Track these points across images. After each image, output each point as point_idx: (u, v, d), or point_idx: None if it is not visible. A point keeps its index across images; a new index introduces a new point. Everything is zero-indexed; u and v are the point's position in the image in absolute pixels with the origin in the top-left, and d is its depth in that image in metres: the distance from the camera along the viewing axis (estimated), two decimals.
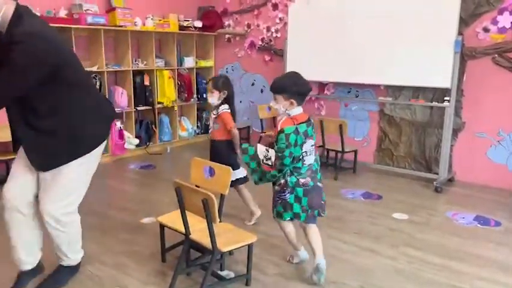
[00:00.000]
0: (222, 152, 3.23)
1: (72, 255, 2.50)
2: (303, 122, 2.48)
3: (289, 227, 2.67)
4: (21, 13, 2.03)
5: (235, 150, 3.25)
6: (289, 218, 2.56)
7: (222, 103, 3.25)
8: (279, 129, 2.45)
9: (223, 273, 2.64)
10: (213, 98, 3.24)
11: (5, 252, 2.52)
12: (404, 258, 2.94)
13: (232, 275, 2.64)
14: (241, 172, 3.31)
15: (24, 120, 2.18)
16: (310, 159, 2.51)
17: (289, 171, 2.47)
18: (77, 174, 2.32)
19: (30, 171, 2.31)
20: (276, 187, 2.54)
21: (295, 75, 2.56)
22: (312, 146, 2.53)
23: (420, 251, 3.05)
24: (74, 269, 2.56)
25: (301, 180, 2.48)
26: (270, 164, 2.49)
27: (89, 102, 2.32)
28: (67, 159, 2.26)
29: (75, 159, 2.27)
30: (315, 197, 2.53)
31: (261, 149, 2.53)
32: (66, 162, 2.25)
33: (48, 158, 2.24)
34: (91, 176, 2.47)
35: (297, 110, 2.51)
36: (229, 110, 3.25)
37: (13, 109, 2.20)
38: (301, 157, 2.46)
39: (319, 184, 2.57)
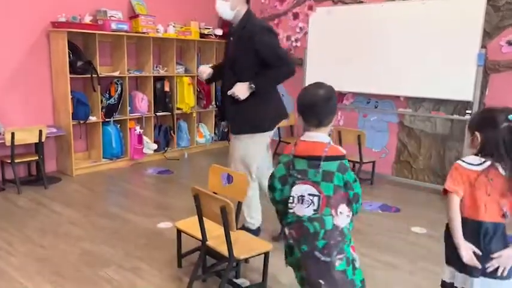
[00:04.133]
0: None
1: (249, 219, 3.17)
2: (306, 157, 1.76)
3: None
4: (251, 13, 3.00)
5: None
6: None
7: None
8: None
9: (239, 281, 2.64)
10: None
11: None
12: (423, 273, 2.89)
13: (247, 283, 2.64)
14: None
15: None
16: (302, 210, 1.76)
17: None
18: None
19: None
20: None
21: (305, 88, 1.93)
22: (312, 195, 1.74)
23: (439, 266, 2.98)
24: (251, 232, 3.03)
25: (287, 231, 1.82)
26: None
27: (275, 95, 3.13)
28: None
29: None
30: (310, 270, 1.77)
31: None
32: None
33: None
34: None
35: (308, 136, 1.81)
36: None
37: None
38: (289, 200, 1.79)
39: (323, 256, 1.73)
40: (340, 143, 4.79)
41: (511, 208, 1.76)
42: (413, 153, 5.03)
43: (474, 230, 1.77)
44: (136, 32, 5.19)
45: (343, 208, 1.75)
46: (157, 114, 5.65)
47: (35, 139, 4.28)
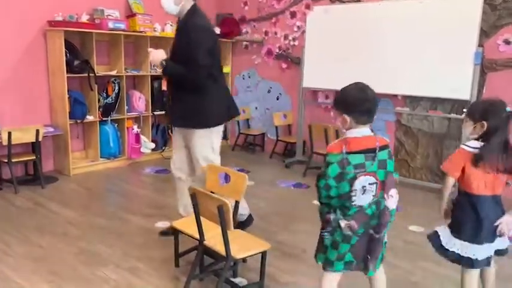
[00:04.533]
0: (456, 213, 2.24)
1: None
2: (361, 151, 1.90)
3: (330, 281, 2.05)
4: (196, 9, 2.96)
5: None
6: (321, 263, 2.03)
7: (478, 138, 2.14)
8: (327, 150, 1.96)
9: (236, 280, 2.64)
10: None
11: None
12: (420, 272, 2.90)
13: (245, 282, 2.64)
14: None
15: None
16: (364, 199, 1.91)
17: (334, 207, 1.95)
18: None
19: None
20: (321, 220, 2.02)
21: (356, 87, 2.03)
22: (372, 184, 1.91)
23: (437, 265, 2.99)
24: (245, 223, 3.20)
25: (344, 223, 1.92)
26: None
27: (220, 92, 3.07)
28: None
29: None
30: (362, 247, 1.97)
31: None
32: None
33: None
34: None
35: (357, 132, 1.95)
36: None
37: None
38: (350, 196, 1.89)
39: (374, 233, 1.97)
40: None
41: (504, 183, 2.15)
42: (410, 152, 5.04)
43: (480, 204, 2.10)
44: (133, 31, 5.18)
45: (393, 192, 2.00)
46: (155, 113, 5.64)
47: (32, 138, 4.27)
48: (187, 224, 2.63)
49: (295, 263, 2.95)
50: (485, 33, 4.33)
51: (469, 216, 2.13)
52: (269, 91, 6.29)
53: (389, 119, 5.16)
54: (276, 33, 6.05)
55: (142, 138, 5.45)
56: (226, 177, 2.72)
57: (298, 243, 3.24)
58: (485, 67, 4.36)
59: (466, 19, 4.20)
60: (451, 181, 2.18)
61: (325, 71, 5.18)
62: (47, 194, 4.19)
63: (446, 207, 2.27)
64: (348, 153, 1.89)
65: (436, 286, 2.73)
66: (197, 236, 2.43)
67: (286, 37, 5.94)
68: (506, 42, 4.28)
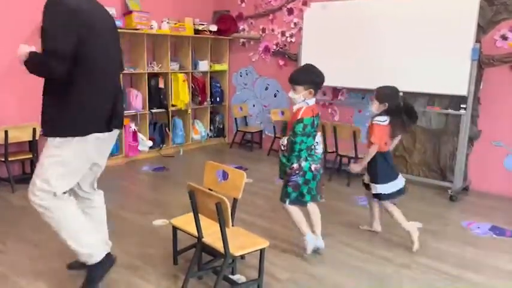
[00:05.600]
0: (371, 163, 3.14)
1: (82, 248, 2.34)
2: (315, 115, 2.75)
3: (296, 209, 2.90)
4: None
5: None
6: (294, 197, 2.82)
7: (380, 114, 3.11)
8: (298, 117, 2.70)
9: (235, 277, 2.64)
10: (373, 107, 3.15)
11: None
12: (418, 267, 2.90)
13: (243, 279, 2.64)
14: (386, 188, 3.14)
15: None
16: (319, 149, 2.83)
17: (304, 156, 2.76)
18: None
19: None
20: (288, 170, 2.80)
21: (313, 67, 2.83)
22: (319, 137, 2.86)
23: (435, 260, 3.01)
24: (94, 269, 2.40)
25: (314, 166, 2.80)
26: (283, 149, 2.81)
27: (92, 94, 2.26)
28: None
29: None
30: (319, 182, 2.88)
31: (283, 141, 2.84)
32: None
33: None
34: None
35: (312, 101, 2.78)
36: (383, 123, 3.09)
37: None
38: (313, 146, 2.78)
39: (321, 172, 2.92)
40: (336, 139, 4.80)
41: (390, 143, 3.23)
42: (408, 148, 5.04)
43: (387, 156, 3.15)
44: (130, 29, 5.16)
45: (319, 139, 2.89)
46: (152, 111, 5.63)
47: (28, 137, 4.25)
48: (185, 222, 2.62)
49: (294, 259, 2.95)
50: (482, 29, 4.33)
51: (383, 166, 3.13)
52: (266, 88, 6.29)
53: None
54: (273, 30, 6.03)
55: (140, 136, 5.43)
56: (224, 175, 2.71)
57: (296, 240, 3.24)
58: (483, 63, 4.36)
59: (463, 15, 4.20)
60: (376, 148, 3.08)
61: (322, 67, 5.06)
62: None
63: (364, 166, 3.19)
64: (312, 116, 2.72)
65: (435, 282, 2.73)
66: (195, 233, 2.42)
67: (283, 34, 5.93)
68: (503, 37, 4.28)
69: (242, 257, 2.78)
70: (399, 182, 3.16)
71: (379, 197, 3.17)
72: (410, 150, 5.02)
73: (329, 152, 4.92)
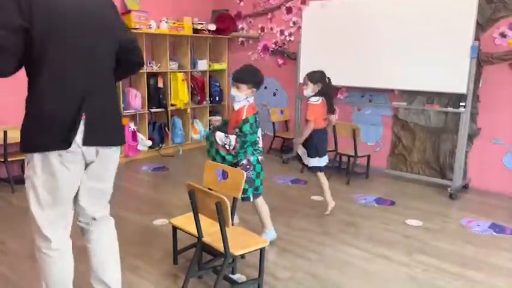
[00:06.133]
0: (310, 140, 3.62)
1: None
2: (257, 112, 2.94)
3: (263, 201, 3.08)
4: None
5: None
6: (252, 192, 2.94)
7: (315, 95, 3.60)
8: (243, 117, 2.85)
9: (235, 276, 2.64)
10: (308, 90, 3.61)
11: None
12: (418, 265, 2.90)
13: (243, 278, 2.64)
14: (317, 161, 3.65)
15: None
16: (260, 143, 3.01)
17: (250, 151, 2.91)
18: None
19: None
20: (239, 168, 2.87)
21: (254, 67, 3.01)
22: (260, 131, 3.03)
23: (434, 258, 3.01)
24: None
25: (260, 158, 2.97)
26: (228, 148, 2.85)
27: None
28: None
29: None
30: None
31: (219, 136, 2.85)
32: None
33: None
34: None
35: (253, 99, 2.94)
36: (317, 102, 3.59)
37: None
38: (257, 141, 2.95)
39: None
40: (335, 137, 4.79)
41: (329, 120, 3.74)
42: (408, 146, 5.04)
43: (323, 132, 3.64)
44: (128, 28, 5.14)
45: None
46: (152, 110, 5.62)
47: None
48: (185, 221, 2.62)
49: (294, 258, 2.95)
50: (481, 27, 4.33)
51: (320, 141, 3.61)
52: (266, 87, 6.27)
53: (386, 113, 5.16)
54: (272, 29, 6.03)
55: (139, 135, 5.43)
56: (224, 174, 2.71)
57: (296, 239, 3.25)
58: (482, 60, 4.35)
59: (462, 13, 4.20)
60: (313, 125, 3.53)
61: (321, 66, 5.11)
62: None
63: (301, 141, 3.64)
64: (254, 114, 2.88)
65: (435, 281, 2.73)
66: (195, 233, 2.42)
67: (282, 33, 5.93)
68: (502, 35, 4.28)
69: (242, 256, 2.78)
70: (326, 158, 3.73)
71: (315, 169, 3.64)
72: (410, 148, 5.02)
73: (329, 151, 4.90)
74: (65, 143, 1.76)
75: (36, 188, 1.83)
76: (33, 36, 1.66)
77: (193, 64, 6.12)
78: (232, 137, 2.82)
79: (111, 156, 1.98)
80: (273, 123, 5.87)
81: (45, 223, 1.88)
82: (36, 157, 1.79)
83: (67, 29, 1.74)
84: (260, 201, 3.07)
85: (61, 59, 1.74)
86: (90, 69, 1.83)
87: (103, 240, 2.10)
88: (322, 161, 3.65)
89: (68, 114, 1.77)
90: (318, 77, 3.57)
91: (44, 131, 1.75)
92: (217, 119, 3.09)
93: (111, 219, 2.15)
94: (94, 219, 2.05)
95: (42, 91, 1.74)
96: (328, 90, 3.62)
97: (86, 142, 1.82)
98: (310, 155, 3.62)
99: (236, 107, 2.94)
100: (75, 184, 1.90)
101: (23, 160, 4.42)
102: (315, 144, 3.59)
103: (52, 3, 1.70)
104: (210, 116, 6.45)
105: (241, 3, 6.28)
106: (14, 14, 1.62)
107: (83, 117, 1.79)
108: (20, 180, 4.34)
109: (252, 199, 2.98)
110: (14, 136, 4.09)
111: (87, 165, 1.91)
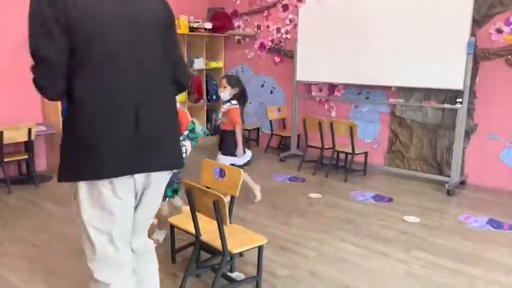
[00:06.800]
0: (228, 141, 3.75)
1: None
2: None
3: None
4: None
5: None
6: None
7: (232, 99, 3.71)
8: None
9: (233, 274, 2.63)
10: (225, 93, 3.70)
11: None
12: (416, 262, 2.91)
13: (242, 276, 2.63)
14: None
15: None
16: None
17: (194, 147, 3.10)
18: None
19: None
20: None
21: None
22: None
23: (432, 254, 3.01)
24: None
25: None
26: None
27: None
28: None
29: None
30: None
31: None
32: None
33: None
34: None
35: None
36: (237, 106, 3.71)
37: None
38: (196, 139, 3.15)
39: None
40: (333, 135, 4.80)
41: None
42: (405, 143, 5.05)
43: (232, 134, 3.70)
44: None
45: None
46: None
47: (24, 137, 4.22)
48: (183, 220, 2.62)
49: (292, 256, 2.95)
50: (477, 23, 4.33)
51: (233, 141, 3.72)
52: (262, 85, 6.27)
53: (383, 110, 5.16)
54: (268, 26, 6.02)
55: None
56: (221, 172, 2.70)
57: (294, 237, 3.24)
58: (478, 56, 4.36)
59: (458, 9, 4.19)
60: (242, 127, 3.71)
61: (318, 63, 5.16)
62: (40, 193, 4.16)
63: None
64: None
65: (434, 277, 2.73)
66: (193, 231, 2.41)
67: (278, 30, 5.92)
68: (499, 31, 4.29)
69: (240, 254, 2.77)
70: (248, 155, 3.83)
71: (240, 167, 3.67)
72: (407, 145, 5.03)
73: (326, 148, 4.92)
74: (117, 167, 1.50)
75: (90, 219, 1.68)
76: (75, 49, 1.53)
77: (190, 62, 6.10)
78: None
79: (162, 183, 1.75)
80: (270, 121, 5.86)
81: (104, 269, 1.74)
82: (80, 185, 1.54)
83: (108, 38, 1.59)
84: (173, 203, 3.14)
85: (102, 72, 1.57)
86: (139, 85, 1.64)
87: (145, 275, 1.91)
88: (245, 158, 3.80)
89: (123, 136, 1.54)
90: (236, 81, 3.72)
91: (83, 163, 1.53)
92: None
93: (153, 252, 1.96)
94: (131, 250, 1.82)
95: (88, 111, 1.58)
96: (244, 95, 3.76)
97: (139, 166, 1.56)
98: (229, 154, 3.76)
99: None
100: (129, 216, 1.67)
101: (19, 160, 4.43)
102: (233, 144, 3.72)
103: (85, 7, 1.53)
104: (206, 114, 6.44)
105: (237, 1, 6.27)
106: (55, 26, 1.52)
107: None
108: (17, 181, 4.36)
109: (171, 200, 3.07)
110: (10, 136, 4.10)
111: (136, 194, 1.65)
